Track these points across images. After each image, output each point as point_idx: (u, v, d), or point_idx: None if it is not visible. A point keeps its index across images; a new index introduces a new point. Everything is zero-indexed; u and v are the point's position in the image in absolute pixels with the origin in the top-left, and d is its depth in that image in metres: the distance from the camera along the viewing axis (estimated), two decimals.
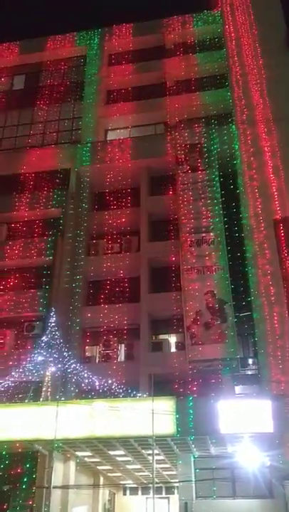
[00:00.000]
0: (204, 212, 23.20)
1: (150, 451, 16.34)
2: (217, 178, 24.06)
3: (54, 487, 16.18)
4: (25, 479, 16.54)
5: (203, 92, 28.20)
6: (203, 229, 22.79)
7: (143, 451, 17.16)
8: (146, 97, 28.91)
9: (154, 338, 22.47)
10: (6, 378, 18.75)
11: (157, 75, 29.45)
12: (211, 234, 22.63)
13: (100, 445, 16.59)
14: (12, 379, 18.72)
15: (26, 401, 18.55)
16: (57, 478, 16.98)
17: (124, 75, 29.90)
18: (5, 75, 31.91)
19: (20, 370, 18.89)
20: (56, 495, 16.89)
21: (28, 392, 19.21)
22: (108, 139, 28.93)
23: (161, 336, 22.65)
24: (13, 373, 18.80)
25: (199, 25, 30.62)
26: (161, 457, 18.15)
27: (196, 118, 26.55)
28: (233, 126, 25.51)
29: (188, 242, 22.59)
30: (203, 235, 22.65)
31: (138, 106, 28.70)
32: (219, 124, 26.17)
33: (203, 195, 23.62)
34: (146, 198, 25.01)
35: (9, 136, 29.48)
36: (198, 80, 28.86)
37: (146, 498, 23.37)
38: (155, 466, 16.42)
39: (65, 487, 17.52)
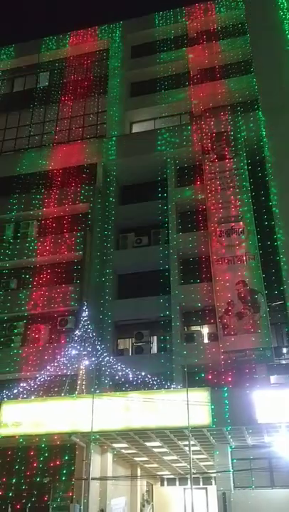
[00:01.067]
0: (233, 201, 22.95)
1: (186, 442, 16.35)
2: (245, 166, 23.74)
3: (92, 479, 16.38)
4: (64, 471, 16.80)
5: (228, 79, 27.78)
6: (233, 218, 22.55)
7: (179, 442, 17.20)
8: (170, 88, 28.69)
9: (186, 329, 22.44)
10: (42, 372, 19.05)
11: (181, 64, 29.16)
12: (241, 223, 22.37)
13: (136, 437, 16.72)
14: (48, 373, 19.00)
15: (62, 394, 18.79)
16: (95, 470, 17.21)
17: (147, 66, 29.68)
18: (30, 73, 32.15)
19: (55, 364, 19.15)
20: (95, 486, 17.12)
21: (63, 386, 19.47)
22: (133, 131, 28.90)
23: (194, 327, 22.57)
24: (48, 367, 19.08)
25: (222, 11, 30.11)
26: (198, 448, 18.16)
27: (222, 106, 26.23)
28: (260, 113, 25.07)
29: (218, 233, 22.41)
30: (233, 224, 22.42)
31: (162, 97, 28.51)
32: (245, 111, 25.79)
33: (231, 184, 23.36)
34: (174, 189, 24.88)
35: (36, 133, 29.74)
36: (222, 67, 28.44)
37: (184, 488, 23.46)
38: (192, 456, 16.42)
39: (103, 478, 17.75)
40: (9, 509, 15.88)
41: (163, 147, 25.73)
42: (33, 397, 18.15)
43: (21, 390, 18.48)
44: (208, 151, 24.54)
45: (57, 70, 31.71)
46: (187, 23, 30.38)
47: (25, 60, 32.25)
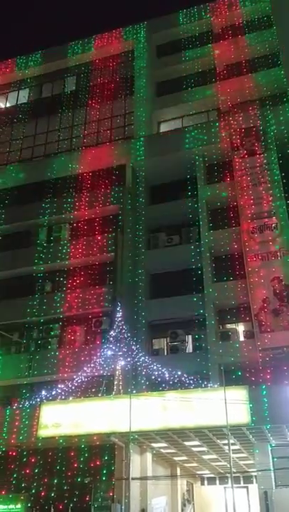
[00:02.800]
0: (265, 197, 22.64)
1: (225, 441, 16.22)
2: (276, 160, 23.38)
3: (132, 478, 16.44)
4: (104, 471, 16.94)
5: (255, 73, 27.46)
6: (265, 214, 22.24)
7: (218, 441, 17.09)
8: (197, 85, 28.58)
9: (221, 327, 22.25)
10: (79, 373, 19.24)
11: (207, 61, 29.01)
12: (274, 218, 22.04)
13: (175, 436, 16.70)
14: (84, 374, 19.18)
15: (100, 395, 18.94)
16: (135, 470, 17.26)
17: (173, 65, 29.66)
18: (57, 79, 32.56)
19: (92, 365, 19.31)
20: (135, 486, 17.18)
21: (100, 387, 19.62)
22: (161, 131, 28.89)
23: (229, 326, 22.37)
24: (85, 368, 19.26)
25: (246, 5, 29.80)
26: (237, 447, 17.99)
27: (250, 101, 25.96)
28: None
29: (251, 229, 22.14)
30: (266, 220, 22.11)
31: (189, 94, 28.43)
32: (274, 104, 25.42)
33: (262, 179, 23.04)
34: (204, 186, 24.72)
35: (65, 138, 30.09)
36: (249, 61, 28.17)
37: (225, 487, 23.30)
38: (232, 455, 16.28)
39: (143, 478, 17.78)
40: (52, 509, 16.11)
41: (191, 145, 25.58)
42: (71, 398, 18.35)
43: (59, 391, 18.72)
44: (237, 147, 24.28)
45: (83, 74, 32.01)
46: (211, 19, 30.20)
47: (52, 66, 32.71)
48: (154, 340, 23.23)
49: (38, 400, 18.32)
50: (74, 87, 31.92)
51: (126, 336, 19.58)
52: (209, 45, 29.47)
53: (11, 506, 17.38)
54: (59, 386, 19.03)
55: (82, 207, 25.94)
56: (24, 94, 33.14)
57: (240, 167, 23.72)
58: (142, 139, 27.22)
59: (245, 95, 26.57)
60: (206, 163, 25.50)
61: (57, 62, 32.55)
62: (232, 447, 16.61)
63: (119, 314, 20.16)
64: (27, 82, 33.16)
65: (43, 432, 16.92)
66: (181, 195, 25.33)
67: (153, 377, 19.28)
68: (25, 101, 32.90)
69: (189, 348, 22.50)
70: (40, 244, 25.72)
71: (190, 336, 22.65)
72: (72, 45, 32.68)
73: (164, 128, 29.03)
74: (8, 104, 33.55)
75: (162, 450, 18.77)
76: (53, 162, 28.36)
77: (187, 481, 23.43)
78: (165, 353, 22.59)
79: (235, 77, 27.73)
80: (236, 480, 22.71)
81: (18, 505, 17.30)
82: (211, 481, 24.20)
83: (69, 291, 23.97)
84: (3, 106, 33.70)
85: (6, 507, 17.34)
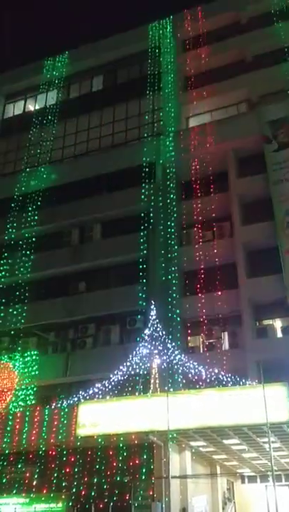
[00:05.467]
0: None
1: (266, 439, 15.91)
2: None
3: (172, 477, 16.34)
4: (143, 470, 16.91)
5: (286, 62, 26.80)
6: None
7: (258, 439, 16.79)
8: (225, 78, 28.06)
9: (257, 324, 21.89)
10: (115, 372, 19.25)
11: (235, 52, 28.54)
12: None
13: (214, 434, 16.49)
14: (120, 373, 19.17)
15: (136, 394, 18.90)
16: (174, 469, 17.16)
17: (200, 59, 29.25)
18: (84, 78, 32.70)
19: (128, 363, 19.28)
20: (175, 485, 17.08)
21: (136, 385, 19.58)
22: (190, 126, 28.59)
23: (266, 322, 22.00)
24: (120, 367, 19.25)
25: None
26: (278, 445, 17.62)
27: (281, 91, 25.33)
28: None
29: (285, 223, 21.65)
30: None
31: (218, 88, 27.98)
32: None
33: None
34: (235, 181, 24.34)
35: (93, 137, 30.19)
36: (278, 51, 27.43)
37: (266, 486, 22.90)
38: (272, 454, 15.96)
39: (182, 477, 17.67)
40: (93, 508, 16.19)
41: (222, 139, 25.20)
42: (108, 397, 18.38)
43: (96, 390, 18.76)
44: (269, 140, 23.78)
45: (110, 73, 32.00)
46: (239, 9, 29.60)
47: (79, 66, 32.83)
48: (189, 338, 23.04)
49: (76, 399, 18.41)
50: (101, 86, 31.97)
51: (161, 334, 19.46)
52: (237, 36, 28.94)
53: (52, 505, 17.58)
54: (96, 385, 19.07)
55: (113, 206, 25.96)
56: (52, 95, 33.43)
57: (272, 160, 23.23)
58: (171, 135, 27.03)
59: (276, 86, 25.95)
60: (237, 157, 25.08)
61: (83, 62, 32.67)
62: (273, 445, 16.27)
63: (153, 312, 20.06)
64: (55, 83, 33.41)
65: (82, 431, 16.98)
66: (212, 191, 25.01)
67: (189, 375, 19.11)
68: (53, 102, 33.18)
69: (225, 345, 22.23)
70: (73, 245, 25.87)
71: (226, 333, 22.37)
72: (98, 44, 32.70)
73: (193, 123, 28.73)
74: (37, 107, 33.93)
75: (201, 449, 18.59)
76: (83, 162, 28.48)
77: (227, 480, 23.16)
78: (201, 351, 22.39)
79: (264, 68, 27.15)
80: (278, 478, 22.25)
81: (60, 504, 17.47)
82: (252, 479, 23.83)
83: (102, 290, 24.03)
84: (32, 108, 34.10)
85: (47, 506, 17.55)
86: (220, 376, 17.81)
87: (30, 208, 27.69)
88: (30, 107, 34.21)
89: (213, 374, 17.96)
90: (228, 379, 17.66)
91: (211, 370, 18.08)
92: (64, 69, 33.22)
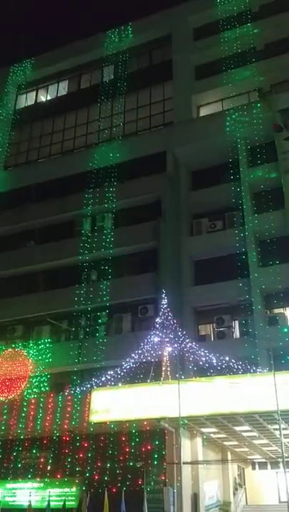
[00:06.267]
0: None
1: (276, 426, 16.09)
2: None
3: (184, 463, 16.59)
4: (155, 455, 17.16)
5: None
6: None
7: (269, 426, 16.96)
8: (236, 66, 27.91)
9: (268, 312, 21.98)
10: (127, 360, 19.48)
11: (246, 41, 28.30)
12: None
13: (225, 421, 16.68)
14: (132, 360, 19.40)
15: (148, 381, 19.12)
16: (186, 455, 17.41)
17: (211, 47, 29.06)
18: (95, 68, 32.67)
19: (139, 351, 19.49)
20: (187, 470, 17.34)
21: (148, 373, 19.79)
22: (201, 115, 28.51)
23: (276, 310, 22.08)
24: (132, 355, 19.48)
25: None
26: None
27: None
28: None
29: None
30: None
31: (228, 77, 27.84)
32: None
33: None
34: (246, 170, 24.31)
35: (105, 127, 30.24)
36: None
37: (277, 472, 23.15)
38: (283, 440, 16.14)
39: (194, 463, 17.93)
40: (106, 492, 16.49)
41: (232, 128, 25.17)
42: (120, 385, 18.63)
43: (109, 377, 19.02)
44: (280, 128, 23.66)
45: (121, 62, 31.92)
46: None
47: (89, 56, 32.81)
48: (200, 327, 23.25)
49: (89, 386, 18.71)
50: (112, 76, 31.94)
51: (172, 322, 19.63)
52: (248, 24, 28.70)
53: (66, 490, 17.90)
54: (108, 372, 19.33)
55: (124, 196, 26.07)
56: (64, 86, 33.52)
57: (283, 148, 23.14)
58: (181, 124, 26.96)
59: (288, 74, 25.76)
60: (248, 146, 25.03)
61: (94, 52, 32.60)
62: (283, 432, 16.44)
63: (164, 301, 20.22)
64: (66, 73, 33.44)
65: (95, 417, 17.26)
66: (223, 180, 25.02)
67: (200, 363, 19.29)
68: (64, 93, 33.25)
69: (236, 333, 22.38)
70: (85, 234, 26.08)
71: (236, 322, 22.51)
72: (108, 34, 32.63)
73: (204, 112, 28.65)
74: (48, 97, 34.03)
75: (212, 435, 18.83)
76: (94, 152, 28.59)
77: (238, 466, 23.44)
78: (212, 339, 22.58)
79: (276, 56, 26.92)
80: (288, 464, 22.49)
81: (73, 489, 17.81)
82: (263, 465, 24.10)
83: (114, 279, 24.23)
84: (44, 99, 34.20)
85: (61, 490, 17.88)
86: (231, 364, 17.96)
87: (43, 199, 27.91)
88: (42, 98, 34.31)
89: (224, 362, 18.11)
90: (239, 367, 17.80)
91: (222, 357, 18.23)
92: (74, 59, 33.14)
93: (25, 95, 34.74)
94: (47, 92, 34.19)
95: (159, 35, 31.27)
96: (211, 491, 19.37)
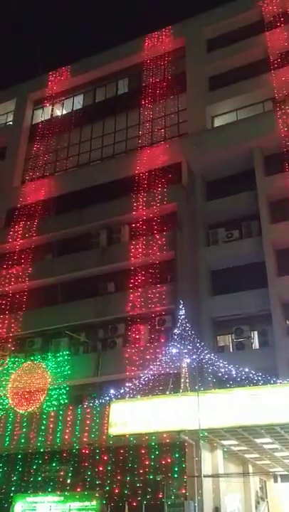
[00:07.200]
0: None
1: None
2: None
3: (204, 476, 16.40)
4: (176, 469, 17.00)
5: None
6: None
7: None
8: (250, 76, 27.94)
9: (288, 322, 21.71)
10: (145, 372, 19.42)
11: (259, 51, 28.31)
12: None
13: (245, 433, 16.46)
14: (151, 372, 19.34)
15: (167, 393, 19.02)
16: (206, 467, 17.20)
17: (224, 58, 29.18)
18: (109, 82, 33.05)
19: (158, 363, 19.43)
20: (208, 484, 17.11)
21: (166, 385, 19.69)
22: (215, 125, 28.56)
23: None
24: (151, 366, 19.41)
25: None
26: None
27: None
28: None
29: None
30: None
31: (242, 86, 27.86)
32: None
33: None
34: (262, 179, 24.21)
35: (120, 140, 30.50)
36: None
37: None
38: None
39: (215, 476, 17.68)
40: (126, 506, 16.37)
41: (247, 137, 25.08)
42: (138, 397, 18.55)
43: (127, 389, 18.98)
44: None
45: (135, 75, 32.24)
46: (262, 7, 29.37)
47: (104, 70, 33.12)
48: (218, 337, 23.05)
49: (107, 398, 18.67)
50: (127, 89, 32.26)
51: (190, 333, 19.53)
52: (261, 34, 28.73)
53: (87, 503, 17.81)
54: (126, 384, 19.29)
55: (140, 207, 26.15)
56: (79, 100, 33.93)
57: None
58: (196, 135, 27.04)
59: None
60: (263, 155, 24.95)
61: (108, 66, 32.95)
62: None
63: (181, 312, 20.15)
64: (81, 88, 33.88)
65: (113, 430, 17.19)
66: (239, 189, 24.93)
67: (220, 374, 19.12)
68: (80, 107, 33.65)
69: (255, 344, 22.15)
70: (101, 246, 26.18)
71: (255, 332, 22.28)
72: (122, 47, 32.98)
73: (218, 122, 28.69)
74: (64, 112, 34.49)
75: (233, 447, 18.58)
76: (110, 165, 28.79)
77: (260, 479, 23.03)
78: (231, 350, 22.36)
79: None
80: None
81: (94, 502, 17.69)
82: (285, 478, 23.58)
83: (131, 290, 24.20)
84: (59, 113, 34.66)
85: (82, 504, 17.79)
86: (250, 375, 17.77)
87: (59, 211, 28.17)
88: (58, 112, 34.77)
89: (243, 373, 17.93)
90: (259, 378, 17.60)
91: (241, 369, 18.05)
92: (89, 73, 33.58)
93: (41, 110, 35.25)
94: (62, 107, 34.65)
95: (173, 47, 31.50)
96: (232, 504, 19.05)
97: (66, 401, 22.40)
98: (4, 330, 25.67)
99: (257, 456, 19.77)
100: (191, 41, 30.85)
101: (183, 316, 19.97)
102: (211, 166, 25.73)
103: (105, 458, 18.39)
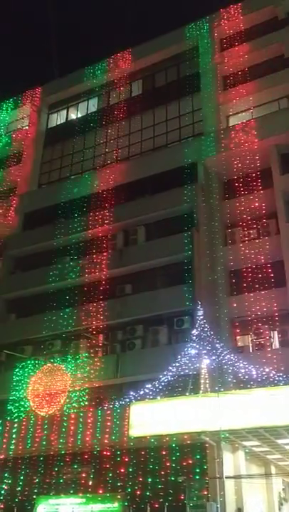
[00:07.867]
0: None
1: None
2: None
3: (226, 477, 16.30)
4: (197, 470, 16.93)
5: None
6: None
7: None
8: (264, 74, 27.76)
9: None
10: (165, 373, 19.37)
11: (273, 49, 28.09)
12: None
13: (267, 434, 16.33)
14: (170, 373, 19.28)
15: (187, 394, 18.95)
16: (228, 469, 17.09)
17: (238, 57, 29.05)
18: (123, 84, 33.15)
19: (177, 364, 19.36)
20: (229, 485, 17.00)
21: (186, 386, 19.62)
22: (231, 124, 28.39)
23: None
24: (170, 368, 19.35)
25: None
26: None
27: None
28: None
29: None
30: None
31: (257, 85, 27.70)
32: None
33: None
34: (279, 177, 23.98)
35: (135, 142, 30.57)
36: None
37: None
38: None
39: (236, 477, 17.56)
40: (148, 508, 16.35)
41: (263, 136, 24.89)
42: (158, 398, 18.52)
43: (147, 391, 18.95)
44: None
45: (149, 76, 32.27)
46: (276, 5, 29.14)
47: (118, 72, 33.30)
48: (237, 338, 22.88)
49: (127, 400, 18.68)
50: (141, 91, 32.29)
51: (208, 334, 19.43)
52: (275, 31, 28.49)
53: (109, 505, 17.84)
54: (146, 386, 19.26)
55: (157, 208, 26.12)
56: (93, 103, 34.10)
57: None
58: (211, 134, 26.94)
59: None
60: (280, 153, 24.71)
61: (122, 68, 33.08)
62: None
63: (200, 312, 20.07)
64: (95, 90, 34.06)
65: (134, 432, 17.21)
66: (255, 188, 24.76)
67: (240, 374, 18.99)
68: (94, 109, 33.80)
69: (275, 344, 21.93)
70: (118, 248, 26.21)
71: (275, 332, 22.06)
72: (135, 50, 33.05)
73: (233, 121, 28.51)
74: (79, 115, 34.70)
75: (255, 448, 18.43)
76: (126, 167, 28.83)
77: (283, 480, 22.80)
78: (250, 350, 22.17)
79: None
80: None
81: (116, 504, 17.72)
82: None
83: (149, 292, 24.20)
84: (74, 117, 34.87)
85: (103, 506, 17.84)
86: (271, 375, 17.61)
87: (75, 214, 28.31)
88: (73, 116, 34.99)
89: (264, 373, 17.78)
90: (280, 378, 17.43)
91: (261, 369, 17.91)
92: (103, 76, 33.76)
93: (56, 114, 35.52)
94: (77, 110, 34.87)
95: (187, 47, 31.44)
96: (255, 506, 18.91)
97: (86, 403, 22.47)
98: (26, 332, 25.85)
99: (279, 457, 19.59)
100: (204, 41, 30.65)
101: (201, 317, 19.90)
102: (227, 165, 25.55)
103: (126, 459, 18.39)
